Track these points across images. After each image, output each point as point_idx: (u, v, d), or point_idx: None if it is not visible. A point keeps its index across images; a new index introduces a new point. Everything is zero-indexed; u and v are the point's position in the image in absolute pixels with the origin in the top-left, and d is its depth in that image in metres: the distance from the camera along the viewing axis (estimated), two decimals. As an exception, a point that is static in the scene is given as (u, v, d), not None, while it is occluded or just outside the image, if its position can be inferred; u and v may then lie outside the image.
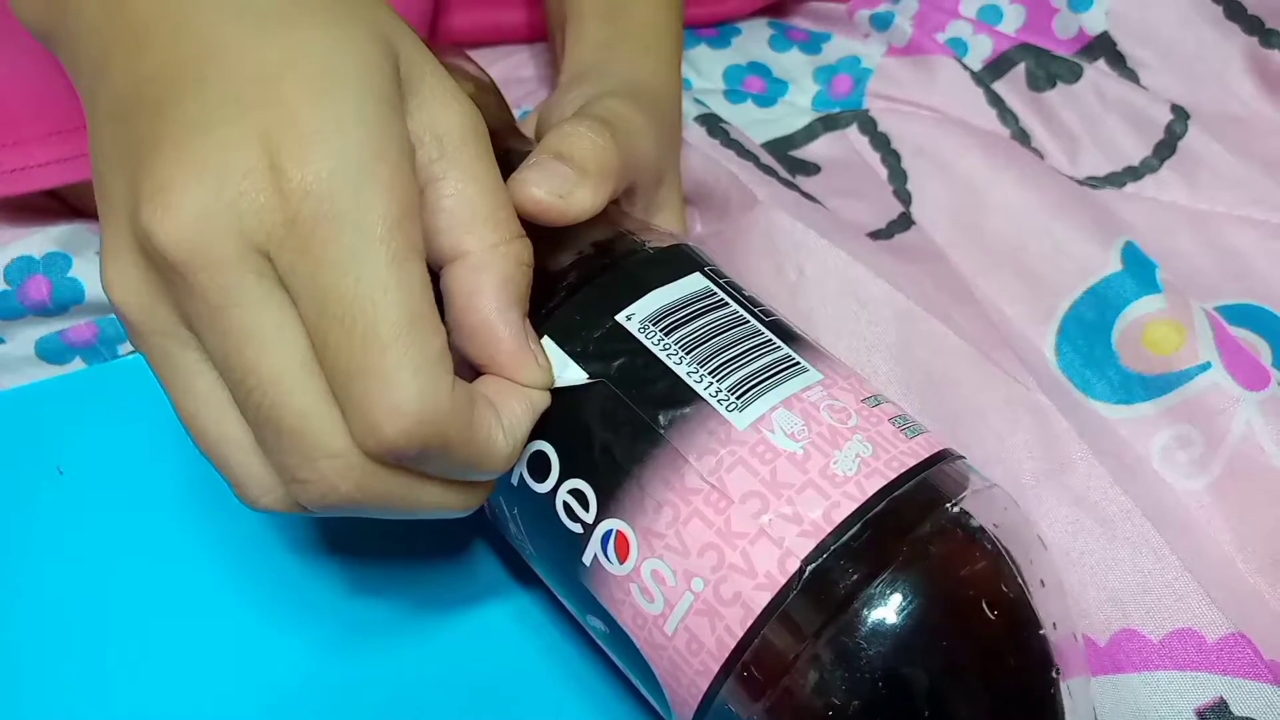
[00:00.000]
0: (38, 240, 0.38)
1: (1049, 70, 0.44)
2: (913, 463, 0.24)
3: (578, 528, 0.25)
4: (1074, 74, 0.44)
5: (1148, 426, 0.35)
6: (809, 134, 0.46)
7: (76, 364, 0.38)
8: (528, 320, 0.24)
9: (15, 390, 0.36)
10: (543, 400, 0.25)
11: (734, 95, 0.47)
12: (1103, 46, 0.45)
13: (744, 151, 0.43)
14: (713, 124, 0.43)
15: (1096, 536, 0.32)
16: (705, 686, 0.23)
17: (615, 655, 0.26)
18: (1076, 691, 0.24)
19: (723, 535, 0.23)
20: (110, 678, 0.30)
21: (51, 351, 0.38)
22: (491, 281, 0.23)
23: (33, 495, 0.34)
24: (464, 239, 0.23)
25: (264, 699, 0.30)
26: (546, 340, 0.25)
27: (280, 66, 0.22)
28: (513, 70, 0.48)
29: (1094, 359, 0.37)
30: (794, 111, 0.47)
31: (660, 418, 0.24)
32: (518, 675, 0.31)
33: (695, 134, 0.42)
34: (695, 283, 0.27)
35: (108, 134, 0.24)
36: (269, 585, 0.32)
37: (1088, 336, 0.37)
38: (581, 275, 0.27)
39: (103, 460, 0.34)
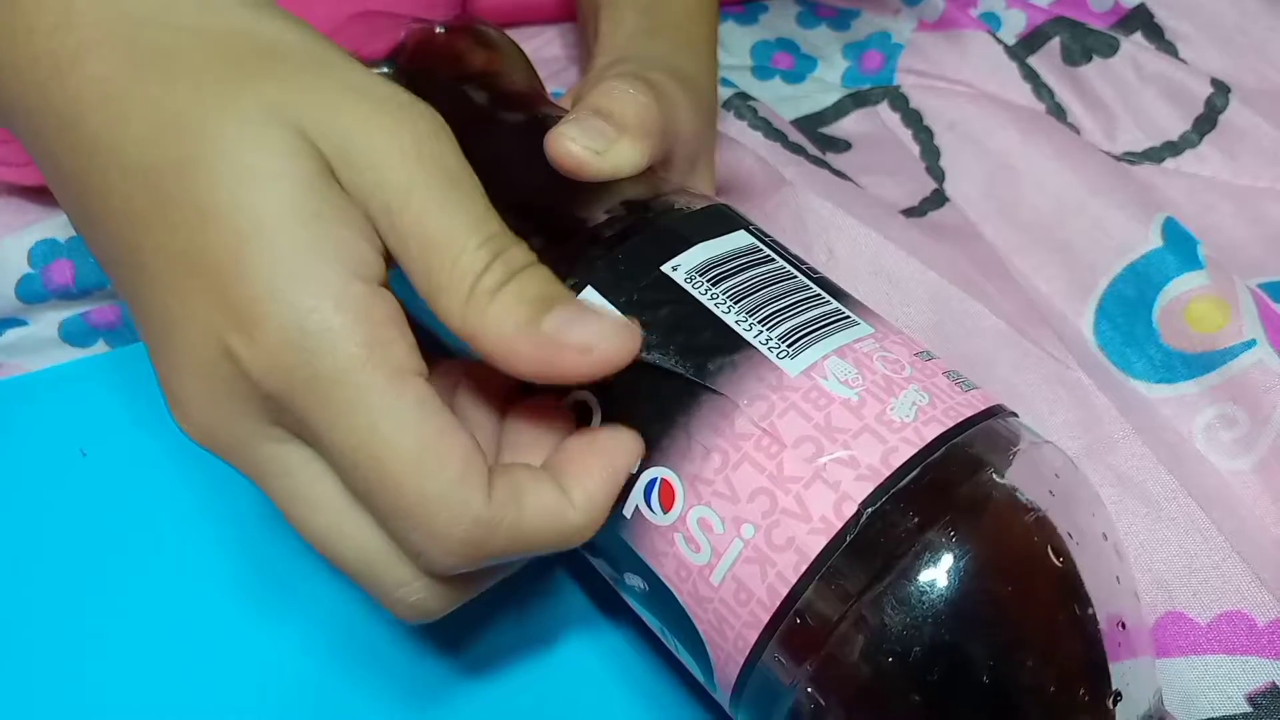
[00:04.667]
0: (61, 222, 0.38)
1: (1085, 44, 0.44)
2: (970, 413, 0.23)
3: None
4: (1110, 48, 0.43)
5: (1190, 405, 0.35)
6: (839, 111, 0.45)
7: (100, 346, 0.38)
8: (545, 314, 0.22)
9: (39, 373, 0.36)
10: (629, 462, 0.23)
11: (761, 72, 0.46)
12: (1140, 19, 0.44)
13: (772, 130, 0.42)
14: (740, 103, 0.43)
15: (1141, 517, 0.31)
16: (754, 638, 0.22)
17: (654, 619, 0.26)
18: (1141, 655, 0.23)
19: (775, 480, 0.22)
20: (130, 662, 0.30)
21: (75, 334, 0.37)
22: (492, 335, 0.21)
23: (56, 477, 0.33)
24: (442, 305, 0.22)
25: (288, 697, 0.30)
26: (589, 291, 0.25)
27: (197, 238, 0.21)
28: (539, 50, 0.47)
29: (1134, 337, 0.36)
30: (823, 88, 0.46)
31: (709, 365, 0.24)
32: (601, 711, 0.30)
33: (721, 118, 0.42)
34: (741, 239, 0.26)
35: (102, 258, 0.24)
36: (293, 573, 0.32)
37: (1128, 314, 0.36)
38: (625, 228, 0.26)
39: (125, 442, 0.34)
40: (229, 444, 0.22)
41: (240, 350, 0.21)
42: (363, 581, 0.23)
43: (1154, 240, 0.37)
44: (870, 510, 0.22)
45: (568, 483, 0.23)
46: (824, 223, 0.38)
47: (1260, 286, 0.36)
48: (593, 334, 0.21)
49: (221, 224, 0.21)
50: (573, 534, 0.23)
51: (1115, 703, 0.22)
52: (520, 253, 0.22)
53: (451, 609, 0.24)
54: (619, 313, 0.24)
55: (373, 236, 0.22)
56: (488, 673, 0.30)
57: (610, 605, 0.31)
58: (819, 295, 0.25)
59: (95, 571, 0.32)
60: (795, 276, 0.25)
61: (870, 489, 0.22)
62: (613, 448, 0.23)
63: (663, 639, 0.26)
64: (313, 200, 0.21)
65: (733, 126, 0.42)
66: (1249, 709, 0.28)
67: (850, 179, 0.40)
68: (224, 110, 0.21)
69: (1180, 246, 0.37)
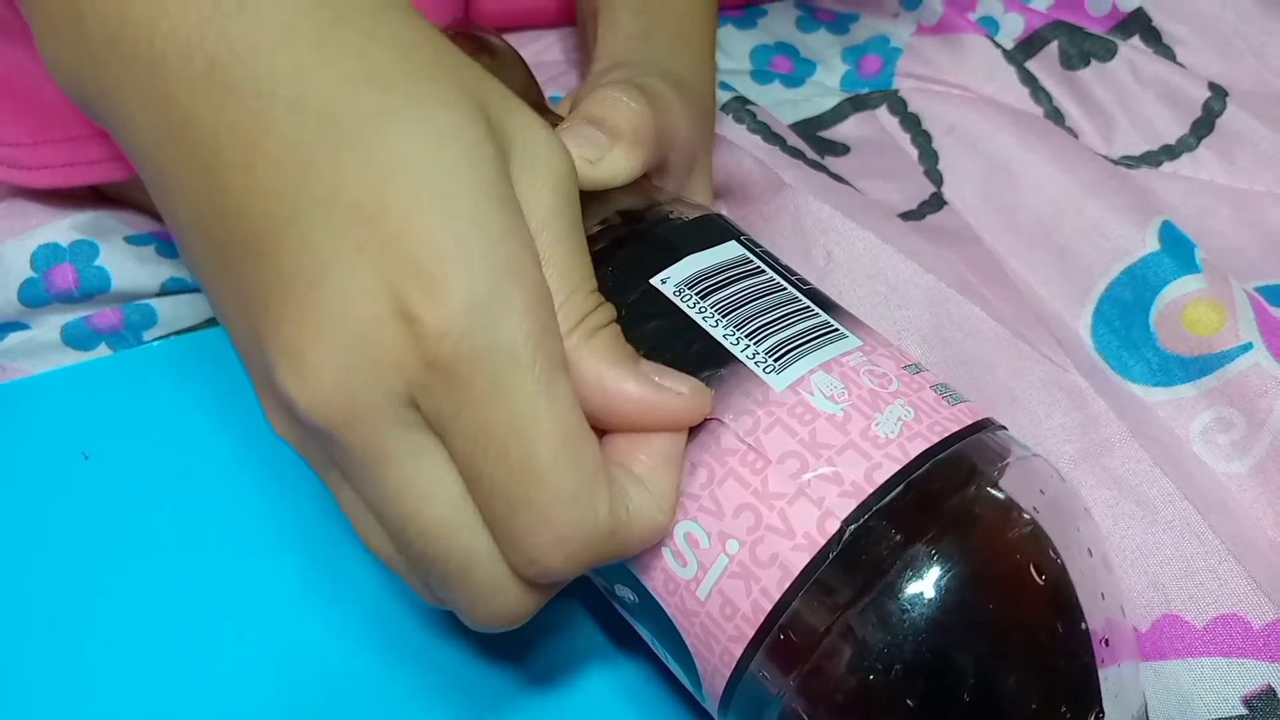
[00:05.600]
0: (64, 226, 0.38)
1: (1082, 48, 0.44)
2: (956, 428, 0.23)
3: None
4: (1108, 52, 0.43)
5: (1187, 409, 0.35)
6: (838, 114, 0.45)
7: (102, 350, 0.38)
8: (638, 363, 0.23)
9: (41, 376, 0.36)
10: (680, 444, 0.23)
11: (760, 76, 0.46)
12: (1137, 23, 0.44)
13: (770, 134, 0.42)
14: (739, 107, 0.43)
15: (1137, 520, 0.31)
16: (739, 653, 0.23)
17: (644, 628, 0.26)
18: (1125, 670, 0.23)
19: (759, 496, 0.22)
20: (131, 664, 0.30)
21: (77, 337, 0.38)
22: (584, 368, 0.22)
23: (59, 480, 0.34)
24: None
25: (289, 698, 0.30)
26: None
27: (380, 189, 0.20)
28: (539, 55, 0.47)
29: (1131, 340, 0.36)
30: (822, 92, 0.46)
31: (696, 379, 0.24)
32: None
33: (720, 122, 0.42)
34: (731, 250, 0.26)
35: (205, 261, 0.23)
36: (296, 576, 0.32)
37: (1125, 317, 0.37)
38: (614, 240, 0.26)
39: (128, 446, 0.34)
40: (354, 417, 0.21)
41: (419, 309, 0.20)
42: (459, 581, 0.22)
43: (1151, 244, 0.37)
44: (853, 527, 0.22)
45: (656, 485, 0.23)
46: (822, 226, 0.38)
47: (1257, 290, 0.37)
48: (686, 384, 0.23)
49: (415, 179, 0.20)
50: (660, 535, 0.23)
51: (1099, 719, 0.22)
52: (610, 310, 0.23)
53: (534, 614, 0.24)
54: None
55: None
56: (503, 707, 0.30)
57: (625, 642, 0.31)
58: (808, 308, 0.25)
59: (98, 575, 0.32)
60: (785, 289, 0.26)
61: (853, 506, 0.22)
62: (669, 438, 0.23)
63: (654, 649, 0.26)
64: (503, 180, 0.21)
65: (731, 130, 0.42)
66: (1245, 711, 0.28)
67: (848, 183, 0.40)
68: (425, 76, 0.21)
69: (1177, 250, 0.37)
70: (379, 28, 0.22)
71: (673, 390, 0.23)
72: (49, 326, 0.38)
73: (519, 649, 0.31)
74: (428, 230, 0.20)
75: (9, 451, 0.34)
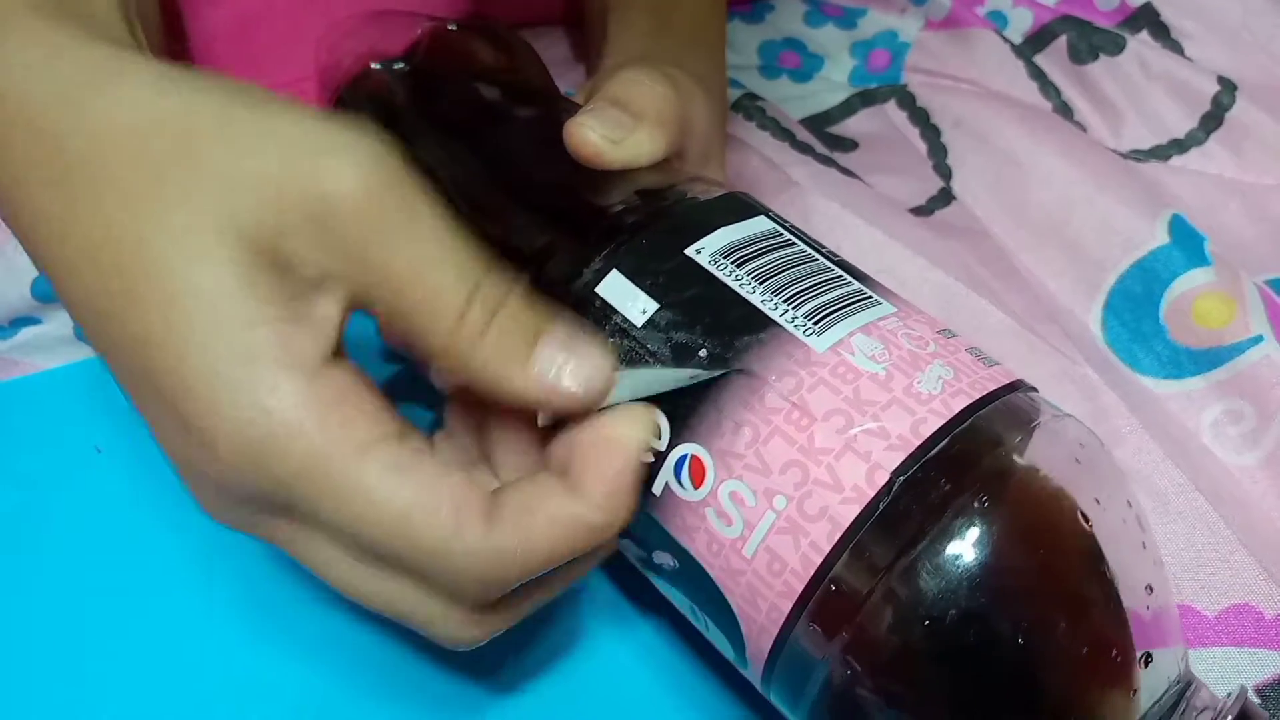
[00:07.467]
0: (75, 222, 0.38)
1: (1091, 42, 0.44)
2: (994, 387, 0.23)
3: (648, 456, 0.24)
4: (1117, 46, 0.43)
5: (1197, 401, 0.35)
6: (846, 109, 0.45)
7: (114, 344, 0.38)
8: (528, 362, 0.22)
9: (54, 371, 0.36)
10: (644, 443, 0.23)
11: (768, 71, 0.47)
12: (1146, 17, 0.45)
13: (780, 129, 0.42)
14: (749, 104, 0.43)
15: (1149, 511, 0.31)
16: (788, 608, 0.23)
17: (684, 595, 0.26)
18: (1168, 616, 0.23)
19: (806, 452, 0.22)
20: (144, 657, 0.30)
21: (89, 332, 0.38)
22: (480, 373, 0.22)
23: (71, 474, 0.34)
24: (436, 350, 0.22)
25: (312, 693, 0.30)
26: (615, 275, 0.25)
27: (144, 359, 0.21)
28: (545, 50, 0.47)
29: (1141, 333, 0.36)
30: (830, 87, 0.46)
31: (736, 343, 0.24)
32: (637, 704, 0.30)
33: (729, 120, 0.42)
34: (761, 224, 0.26)
35: None
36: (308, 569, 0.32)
37: (1135, 310, 0.37)
38: (647, 214, 0.26)
39: (140, 440, 0.34)
40: (237, 525, 0.23)
41: (205, 467, 0.21)
42: (405, 621, 0.24)
43: (1161, 237, 0.37)
44: (902, 479, 0.22)
45: (584, 481, 0.22)
46: (830, 222, 0.38)
47: (1267, 283, 0.37)
48: (585, 374, 0.23)
49: (162, 350, 0.21)
50: (597, 534, 0.23)
51: (1146, 664, 0.22)
52: (499, 286, 0.22)
53: (495, 634, 0.24)
54: (644, 294, 0.25)
55: (322, 308, 0.22)
56: (520, 677, 0.30)
57: (642, 601, 0.31)
58: (841, 276, 0.25)
59: (110, 569, 0.32)
60: (817, 259, 0.26)
61: (901, 458, 0.22)
62: (624, 433, 0.23)
63: (692, 619, 0.26)
64: (244, 308, 0.21)
65: (741, 127, 0.42)
66: (1258, 701, 0.28)
67: (859, 177, 0.40)
68: (152, 230, 0.21)
69: (1187, 243, 0.37)
70: (100, 180, 0.22)
71: (565, 390, 0.22)
72: (61, 321, 0.38)
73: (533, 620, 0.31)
74: (183, 398, 0.21)
75: (22, 445, 0.34)
